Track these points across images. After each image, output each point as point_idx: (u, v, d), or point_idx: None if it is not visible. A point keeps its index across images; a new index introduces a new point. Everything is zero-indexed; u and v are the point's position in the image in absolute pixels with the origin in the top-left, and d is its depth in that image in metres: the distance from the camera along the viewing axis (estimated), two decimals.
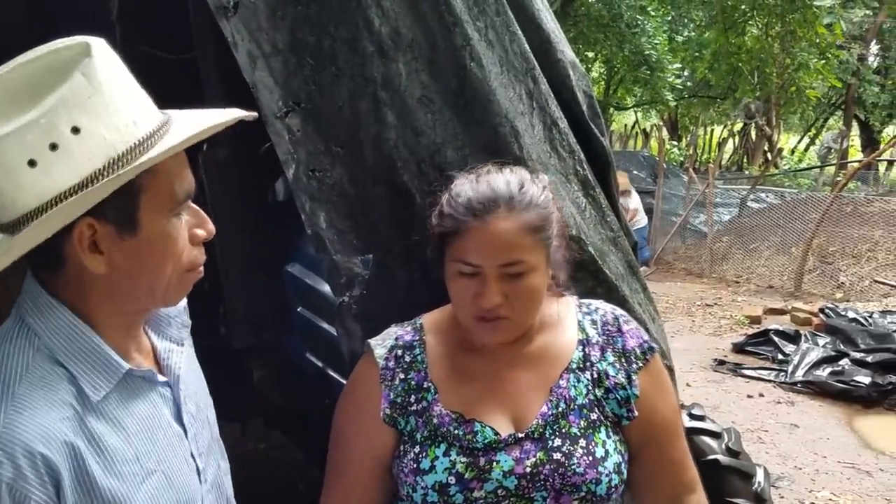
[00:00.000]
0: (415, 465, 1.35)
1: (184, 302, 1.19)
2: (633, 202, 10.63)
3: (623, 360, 1.42)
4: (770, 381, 6.41)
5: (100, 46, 0.96)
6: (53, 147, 0.91)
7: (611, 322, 1.46)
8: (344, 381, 2.26)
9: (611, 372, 1.41)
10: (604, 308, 1.49)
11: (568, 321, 1.46)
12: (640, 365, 1.42)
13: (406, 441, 1.38)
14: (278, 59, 1.47)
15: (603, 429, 1.37)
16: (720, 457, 2.41)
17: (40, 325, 0.98)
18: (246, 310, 2.51)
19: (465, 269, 1.32)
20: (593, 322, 1.46)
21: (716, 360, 6.95)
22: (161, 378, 1.10)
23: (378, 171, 1.54)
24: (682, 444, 1.49)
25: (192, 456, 1.12)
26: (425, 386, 1.39)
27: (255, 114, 1.10)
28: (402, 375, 1.40)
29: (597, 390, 1.39)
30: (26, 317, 0.99)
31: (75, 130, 0.91)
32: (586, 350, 1.42)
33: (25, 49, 0.94)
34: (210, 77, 2.33)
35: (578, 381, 1.40)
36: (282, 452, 3.72)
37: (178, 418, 1.11)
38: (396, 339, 1.44)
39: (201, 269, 1.08)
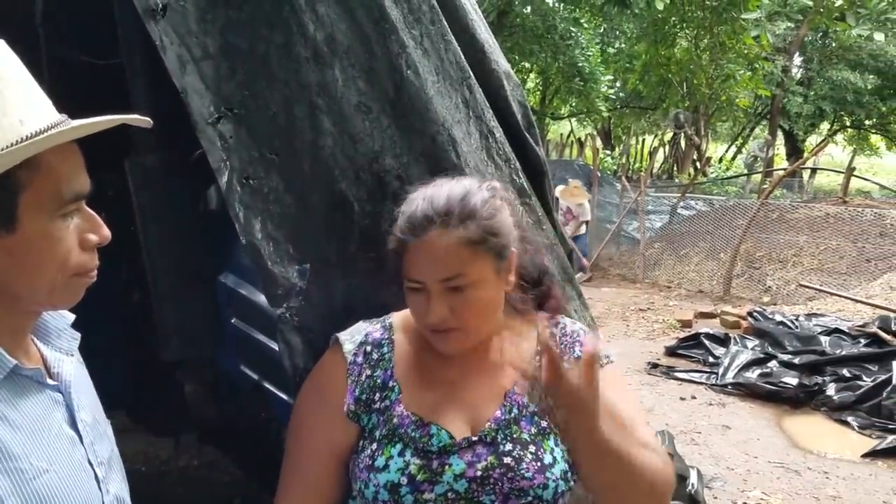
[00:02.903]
0: (370, 462, 1.36)
1: (71, 316, 1.16)
2: (585, 214, 10.81)
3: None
4: (702, 383, 6.56)
5: None
6: None
7: (569, 334, 1.48)
8: (281, 395, 2.22)
9: None
10: (567, 323, 1.51)
11: (532, 334, 1.45)
12: None
13: (366, 437, 1.39)
14: (209, 63, 1.42)
15: (552, 436, 1.39)
16: None
17: None
18: (177, 321, 2.44)
19: (412, 286, 1.34)
20: (553, 335, 1.46)
21: (649, 363, 7.09)
22: (51, 382, 1.07)
23: (315, 179, 1.51)
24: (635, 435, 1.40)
25: (91, 464, 1.08)
26: (390, 385, 1.40)
27: (148, 119, 1.07)
28: (368, 372, 1.41)
29: (549, 398, 1.40)
30: None
31: None
32: (543, 360, 1.42)
33: None
34: (137, 83, 2.27)
35: (533, 388, 1.40)
36: (217, 468, 3.63)
37: (72, 424, 1.08)
38: (366, 335, 1.45)
39: (93, 274, 1.05)
